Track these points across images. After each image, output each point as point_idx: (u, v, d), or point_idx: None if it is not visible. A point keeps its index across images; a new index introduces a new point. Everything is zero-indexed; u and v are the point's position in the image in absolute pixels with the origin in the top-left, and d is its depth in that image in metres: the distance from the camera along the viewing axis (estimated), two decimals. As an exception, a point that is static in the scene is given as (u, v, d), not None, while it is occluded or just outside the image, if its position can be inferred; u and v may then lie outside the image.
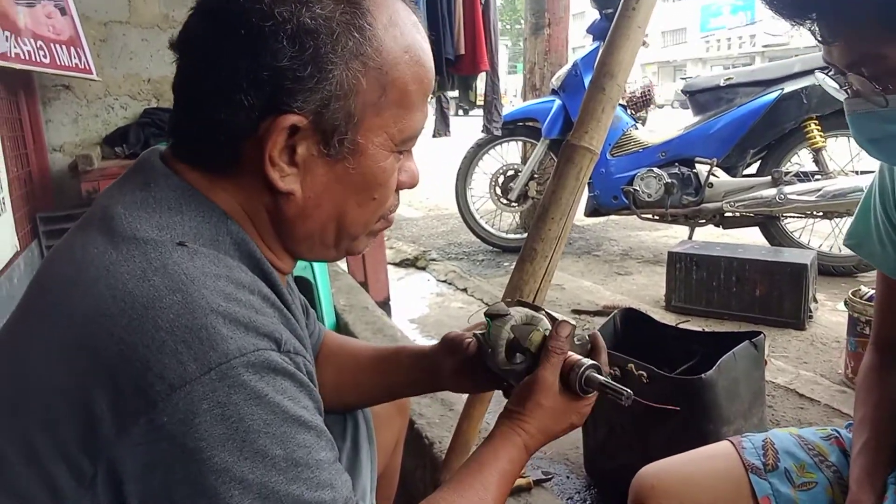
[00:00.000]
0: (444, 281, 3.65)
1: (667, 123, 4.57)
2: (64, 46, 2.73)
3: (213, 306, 0.55)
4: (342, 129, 0.63)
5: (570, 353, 0.83)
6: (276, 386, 0.55)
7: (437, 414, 1.74)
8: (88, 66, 2.91)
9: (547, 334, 0.84)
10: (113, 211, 0.62)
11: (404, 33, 0.66)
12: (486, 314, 0.89)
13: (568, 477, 1.72)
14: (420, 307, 3.26)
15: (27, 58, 2.34)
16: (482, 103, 3.58)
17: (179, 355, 0.52)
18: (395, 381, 1.01)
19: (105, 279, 0.56)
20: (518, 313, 0.87)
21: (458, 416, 1.41)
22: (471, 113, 4.51)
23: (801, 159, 3.57)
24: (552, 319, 0.86)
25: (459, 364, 0.94)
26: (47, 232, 2.68)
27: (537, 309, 0.89)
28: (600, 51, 1.41)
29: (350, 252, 0.74)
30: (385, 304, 3.07)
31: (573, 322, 0.84)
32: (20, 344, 0.60)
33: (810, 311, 2.70)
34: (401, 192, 0.75)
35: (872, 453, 0.93)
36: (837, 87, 0.85)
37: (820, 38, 0.76)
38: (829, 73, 0.83)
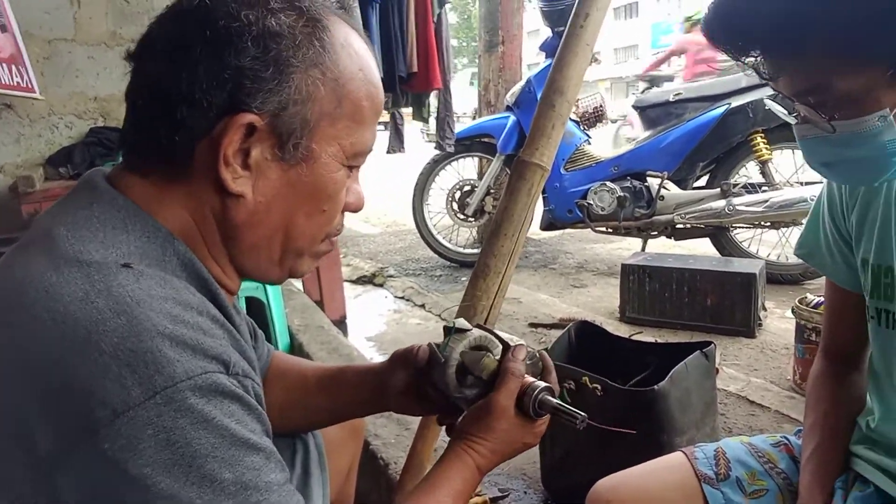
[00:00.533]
0: (402, 297, 3.63)
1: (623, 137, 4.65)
2: (5, 64, 2.65)
3: (160, 329, 0.54)
4: (298, 134, 0.64)
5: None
6: (223, 409, 0.55)
7: (393, 434, 1.72)
8: (31, 84, 2.83)
9: (499, 359, 0.83)
10: (55, 231, 0.60)
11: (359, 53, 0.68)
12: (445, 326, 0.88)
13: (525, 492, 1.71)
14: (377, 324, 3.23)
15: (-35, 76, 2.26)
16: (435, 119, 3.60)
17: (123, 380, 0.51)
18: (341, 400, 0.99)
19: (45, 302, 0.54)
20: (474, 334, 0.87)
21: (413, 435, 1.40)
22: (427, 132, 4.53)
23: (749, 171, 3.67)
24: (504, 344, 0.86)
25: (408, 381, 0.93)
26: (-13, 255, 2.58)
27: (490, 332, 0.89)
28: (552, 64, 1.43)
29: (293, 273, 0.73)
30: (341, 323, 3.04)
31: (523, 342, 0.84)
32: None
33: (760, 319, 2.77)
34: (346, 214, 0.75)
35: (821, 459, 0.95)
36: (786, 112, 0.87)
37: (765, 75, 0.77)
38: (777, 100, 0.85)
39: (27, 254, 0.60)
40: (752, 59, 0.76)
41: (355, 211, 0.75)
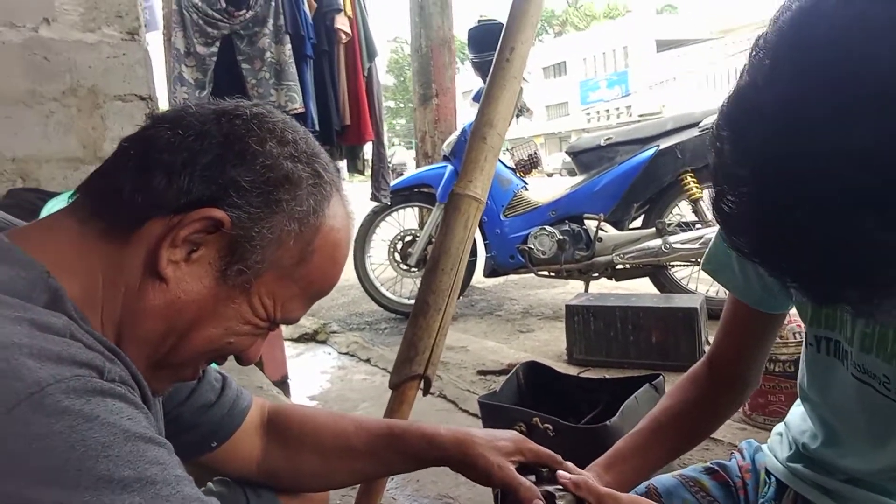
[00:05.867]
0: (346, 353, 3.52)
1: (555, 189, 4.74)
2: (-89, 125, 2.51)
3: (16, 340, 0.49)
4: (248, 265, 0.63)
5: None
6: (106, 407, 0.50)
7: (338, 494, 1.62)
8: (-59, 146, 2.68)
9: None
10: None
11: (338, 234, 0.69)
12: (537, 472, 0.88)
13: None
14: (321, 382, 3.11)
15: None
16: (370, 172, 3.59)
17: None
18: (391, 468, 0.99)
19: None
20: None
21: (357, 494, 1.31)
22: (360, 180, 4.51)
23: (682, 210, 3.77)
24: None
25: (483, 480, 0.90)
26: None
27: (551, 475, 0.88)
28: (480, 102, 1.42)
29: (152, 388, 0.65)
30: (283, 383, 2.90)
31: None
32: None
33: (704, 353, 2.78)
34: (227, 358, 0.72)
35: (627, 444, 0.97)
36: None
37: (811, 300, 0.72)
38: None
39: None
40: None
41: (243, 364, 0.72)
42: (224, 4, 3.08)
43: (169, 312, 0.62)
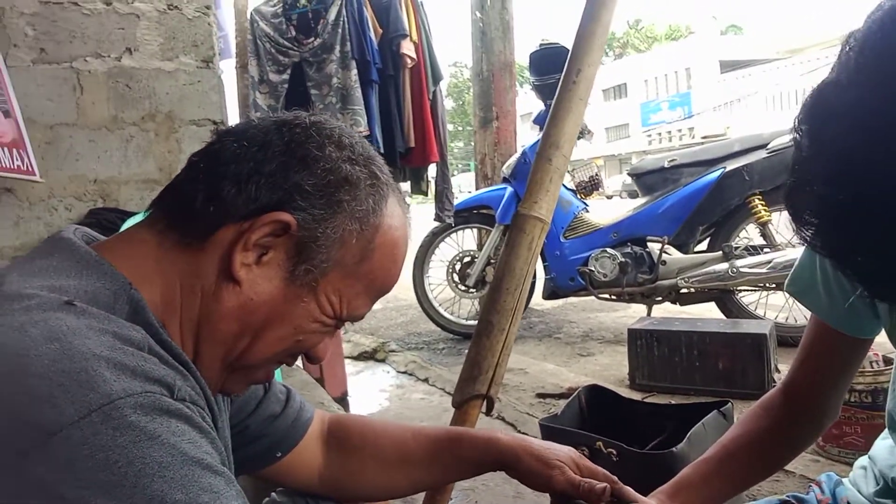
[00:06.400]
0: (405, 372, 3.54)
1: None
2: (6, 149, 2.68)
3: (95, 352, 0.51)
4: (314, 265, 0.66)
5: None
6: (170, 428, 0.51)
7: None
8: (32, 167, 2.85)
9: None
10: (6, 277, 0.58)
11: (398, 237, 0.72)
12: None
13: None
14: (380, 400, 3.14)
15: (-35, 159, 2.28)
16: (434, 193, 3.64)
17: (54, 399, 0.48)
18: (449, 475, 1.01)
19: None
20: None
21: None
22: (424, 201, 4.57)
23: (749, 234, 3.66)
24: None
25: (539, 484, 0.90)
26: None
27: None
28: (545, 123, 1.43)
29: (224, 386, 0.71)
30: (343, 400, 2.94)
31: None
32: None
33: (774, 381, 2.68)
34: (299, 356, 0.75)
35: (694, 471, 0.94)
36: None
37: None
38: None
39: None
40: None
41: (312, 361, 0.75)
42: (294, 33, 3.20)
43: (242, 313, 0.65)
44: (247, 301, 0.65)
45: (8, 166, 2.68)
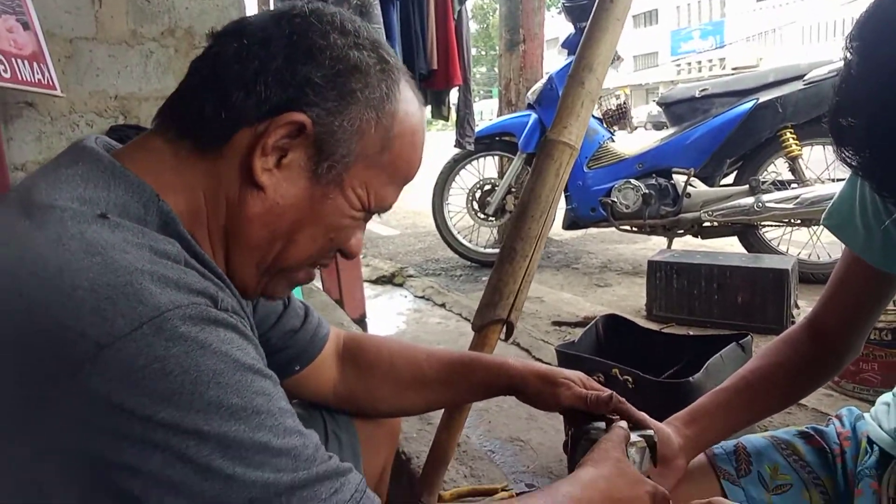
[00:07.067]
0: (422, 297, 3.58)
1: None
2: (26, 61, 2.65)
3: (138, 266, 0.51)
4: (336, 159, 0.65)
5: None
6: (219, 336, 0.52)
7: (415, 429, 1.67)
8: (52, 82, 2.83)
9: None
10: (33, 187, 0.58)
11: (414, 120, 0.71)
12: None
13: (554, 490, 1.65)
14: (397, 323, 3.19)
15: (-14, 71, 2.26)
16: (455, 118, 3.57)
17: (104, 312, 0.48)
18: (460, 396, 1.05)
19: (15, 244, 0.53)
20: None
21: (435, 429, 1.34)
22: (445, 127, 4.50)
23: (778, 168, 3.58)
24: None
25: (551, 402, 0.93)
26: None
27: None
28: (579, 44, 1.37)
29: (266, 290, 0.72)
30: (361, 321, 3.00)
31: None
32: None
33: (793, 317, 2.67)
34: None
35: (711, 400, 0.94)
36: None
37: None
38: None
39: (2, 207, 0.58)
40: None
41: (348, 257, 0.75)
42: (315, -56, 3.08)
43: (270, 218, 0.65)
44: (273, 205, 0.64)
45: (29, 80, 2.65)
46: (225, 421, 0.50)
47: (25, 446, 0.50)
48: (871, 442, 0.91)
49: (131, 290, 0.50)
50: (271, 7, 3.37)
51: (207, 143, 0.64)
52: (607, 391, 0.88)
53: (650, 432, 0.82)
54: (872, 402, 0.96)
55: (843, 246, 0.91)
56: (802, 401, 1.99)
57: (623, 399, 0.88)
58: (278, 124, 0.62)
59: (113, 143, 0.68)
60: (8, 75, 2.48)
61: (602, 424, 0.86)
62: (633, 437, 0.80)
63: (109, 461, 0.48)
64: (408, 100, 0.70)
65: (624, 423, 0.82)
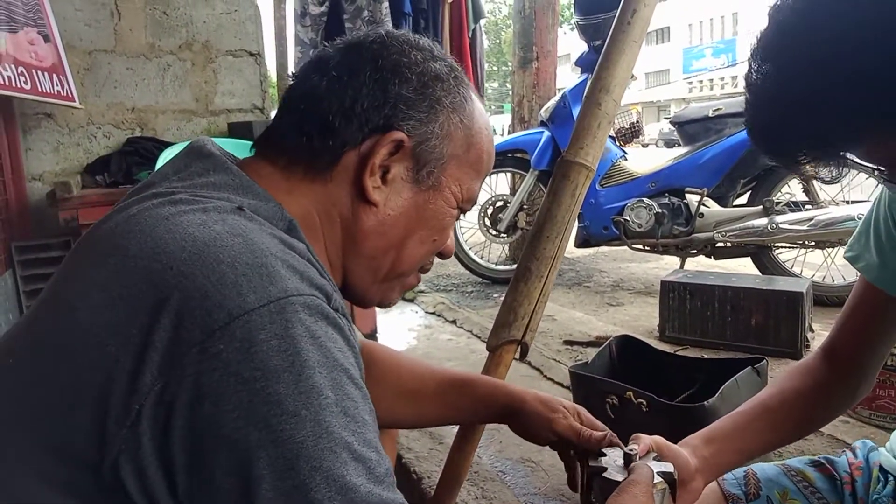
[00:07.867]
0: (433, 313, 3.57)
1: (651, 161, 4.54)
2: (46, 73, 2.68)
3: (273, 251, 0.57)
4: (432, 164, 0.72)
5: None
6: (327, 333, 0.56)
7: (426, 448, 1.66)
8: (71, 93, 2.86)
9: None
10: (175, 191, 0.63)
11: (484, 116, 0.78)
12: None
13: (565, 513, 1.63)
14: (408, 338, 3.18)
15: (7, 83, 2.29)
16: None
17: (239, 287, 0.53)
18: (458, 414, 1.05)
19: (165, 225, 0.57)
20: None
21: (448, 449, 1.33)
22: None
23: (792, 189, 3.56)
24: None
25: (548, 433, 0.96)
26: (22, 262, 2.59)
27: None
28: (596, 64, 1.37)
29: (384, 298, 0.79)
30: (372, 336, 2.99)
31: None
32: (66, 297, 0.59)
33: (807, 341, 2.64)
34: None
35: (728, 423, 0.93)
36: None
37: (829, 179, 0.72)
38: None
39: (139, 202, 0.62)
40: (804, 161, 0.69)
41: (444, 257, 0.81)
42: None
43: (384, 229, 0.72)
44: (385, 217, 0.71)
45: (48, 91, 2.69)
46: (321, 409, 0.52)
47: (130, 411, 0.51)
48: (883, 471, 0.91)
49: (265, 272, 0.54)
50: (288, 22, 3.40)
51: (316, 168, 0.69)
52: (602, 430, 0.91)
53: (669, 468, 0.81)
54: (889, 429, 0.95)
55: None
56: (818, 426, 1.97)
57: (616, 438, 0.90)
58: (382, 144, 0.68)
59: (230, 155, 0.72)
60: (28, 87, 2.51)
61: (616, 459, 0.84)
62: (655, 477, 0.79)
63: (208, 429, 0.50)
64: (475, 99, 0.77)
65: (651, 463, 0.81)
